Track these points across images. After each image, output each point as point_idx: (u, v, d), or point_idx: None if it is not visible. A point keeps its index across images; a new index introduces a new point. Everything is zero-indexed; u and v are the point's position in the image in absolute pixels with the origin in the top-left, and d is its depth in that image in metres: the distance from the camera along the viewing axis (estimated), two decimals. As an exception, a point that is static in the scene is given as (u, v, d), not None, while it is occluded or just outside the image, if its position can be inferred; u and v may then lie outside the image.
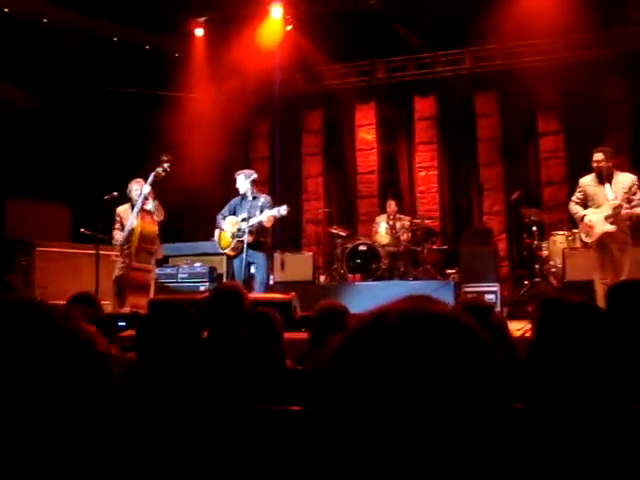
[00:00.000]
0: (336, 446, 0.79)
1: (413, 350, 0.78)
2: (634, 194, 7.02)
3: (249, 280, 7.94)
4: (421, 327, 0.80)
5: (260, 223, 7.75)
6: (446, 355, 0.79)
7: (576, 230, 9.72)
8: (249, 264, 7.84)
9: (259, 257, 7.87)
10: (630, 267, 6.99)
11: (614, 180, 7.12)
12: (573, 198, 7.44)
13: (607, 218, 6.98)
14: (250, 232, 7.70)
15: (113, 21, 11.81)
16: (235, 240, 7.82)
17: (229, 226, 7.96)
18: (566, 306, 1.78)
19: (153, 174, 7.82)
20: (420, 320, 0.81)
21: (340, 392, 0.80)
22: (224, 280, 10.12)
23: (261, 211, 7.77)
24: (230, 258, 8.33)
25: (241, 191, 8.06)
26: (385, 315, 0.82)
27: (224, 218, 8.07)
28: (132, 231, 7.69)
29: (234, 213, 8.03)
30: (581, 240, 9.48)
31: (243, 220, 7.77)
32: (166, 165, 7.84)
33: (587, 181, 7.35)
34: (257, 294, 7.38)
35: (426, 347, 0.78)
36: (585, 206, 7.29)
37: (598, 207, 7.13)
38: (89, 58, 11.63)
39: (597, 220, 7.06)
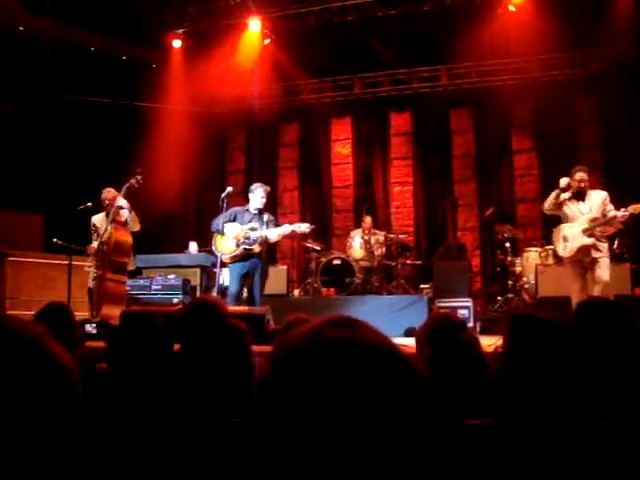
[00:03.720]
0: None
1: (342, 382, 0.79)
2: (606, 206, 7.18)
3: (241, 290, 7.84)
4: (344, 359, 0.81)
5: (267, 237, 7.67)
6: (374, 385, 0.80)
7: (549, 247, 9.84)
8: (247, 274, 7.73)
9: (261, 268, 7.76)
10: (606, 279, 7.09)
11: (587, 197, 7.27)
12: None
13: (585, 231, 7.11)
14: (259, 243, 7.64)
15: (90, 31, 11.77)
16: (241, 247, 7.64)
17: (232, 232, 7.74)
18: (536, 322, 1.80)
19: (126, 185, 7.79)
20: (349, 352, 0.82)
21: (268, 410, 0.82)
22: (198, 292, 10.06)
23: (267, 226, 7.71)
24: (220, 266, 8.08)
25: (255, 203, 7.83)
26: (315, 346, 0.84)
27: (221, 223, 7.81)
28: (105, 241, 7.62)
29: (234, 220, 7.83)
30: (555, 256, 9.61)
31: (252, 229, 7.66)
32: (139, 177, 7.84)
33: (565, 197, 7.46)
34: (233, 307, 7.31)
35: (355, 380, 0.80)
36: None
37: (572, 222, 7.25)
38: (65, 67, 11.56)
39: (574, 233, 7.17)
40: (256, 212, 7.80)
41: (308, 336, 0.85)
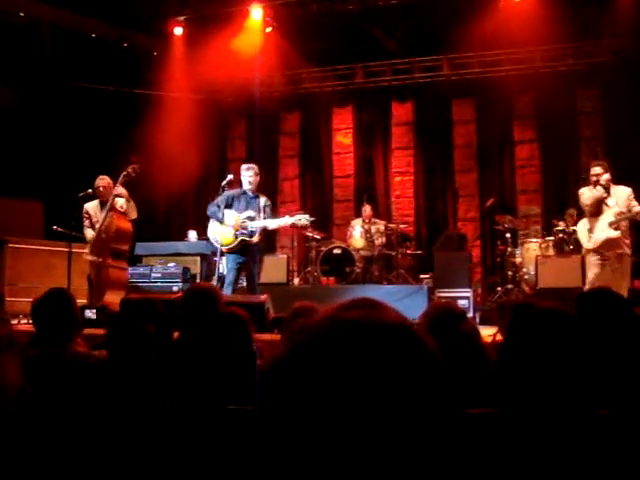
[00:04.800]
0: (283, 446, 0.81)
1: (358, 360, 0.80)
2: (631, 202, 7.23)
3: (237, 279, 7.74)
4: (368, 338, 0.82)
5: (265, 227, 7.52)
6: (390, 364, 0.81)
7: (549, 238, 9.85)
8: (244, 263, 7.61)
9: (256, 256, 7.57)
10: (628, 279, 7.16)
11: (611, 191, 7.26)
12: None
13: (611, 224, 7.13)
14: (259, 233, 7.45)
15: (91, 17, 11.71)
16: (239, 239, 7.42)
17: (230, 221, 7.48)
18: (537, 311, 1.79)
19: (123, 174, 7.76)
20: (366, 331, 0.83)
21: (283, 395, 0.83)
22: (198, 280, 10.05)
23: (263, 212, 7.52)
24: (220, 255, 7.92)
25: (247, 186, 7.57)
26: (332, 325, 0.84)
27: (219, 209, 7.55)
28: (103, 229, 7.61)
29: (230, 206, 7.59)
30: (555, 247, 9.61)
31: (249, 218, 7.43)
32: (136, 165, 7.80)
33: (586, 192, 7.44)
34: (230, 295, 7.25)
35: (371, 358, 0.81)
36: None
37: (597, 215, 7.29)
38: (65, 54, 11.51)
39: (599, 226, 7.19)
40: (252, 195, 7.59)
41: (327, 317, 0.86)
